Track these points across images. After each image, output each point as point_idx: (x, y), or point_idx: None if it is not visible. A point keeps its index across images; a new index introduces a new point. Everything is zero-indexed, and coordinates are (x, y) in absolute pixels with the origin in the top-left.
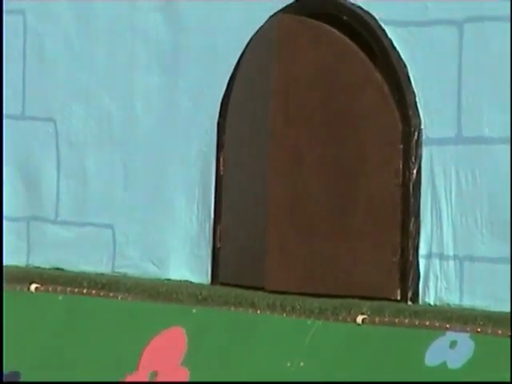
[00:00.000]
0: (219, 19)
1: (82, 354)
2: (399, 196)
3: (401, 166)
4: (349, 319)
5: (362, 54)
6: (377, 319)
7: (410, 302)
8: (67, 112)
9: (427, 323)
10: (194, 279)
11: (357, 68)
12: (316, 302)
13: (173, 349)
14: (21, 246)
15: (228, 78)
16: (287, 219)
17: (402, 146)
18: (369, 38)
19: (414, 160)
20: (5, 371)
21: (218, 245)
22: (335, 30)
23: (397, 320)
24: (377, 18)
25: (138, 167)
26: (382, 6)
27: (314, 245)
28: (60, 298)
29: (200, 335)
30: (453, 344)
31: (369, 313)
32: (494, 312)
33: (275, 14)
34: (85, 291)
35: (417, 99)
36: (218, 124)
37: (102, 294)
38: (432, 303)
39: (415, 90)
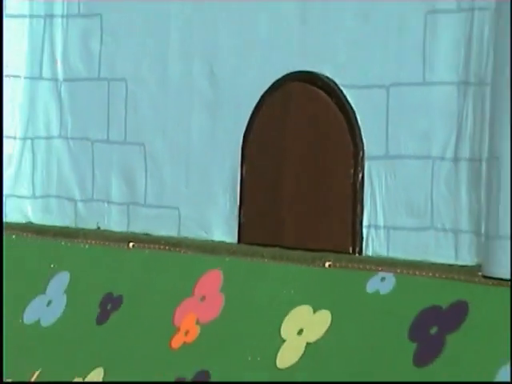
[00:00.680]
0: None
1: (159, 287)
2: (351, 190)
3: (352, 172)
4: (321, 265)
5: (333, 105)
6: (337, 265)
7: (357, 255)
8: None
9: (367, 267)
10: (229, 240)
11: (328, 113)
12: (305, 255)
13: (214, 282)
14: (123, 221)
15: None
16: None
17: (352, 161)
18: (335, 96)
19: (360, 168)
20: None
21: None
22: (316, 89)
23: (350, 265)
24: (338, 83)
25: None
26: (341, 74)
27: (297, 221)
28: (146, 252)
29: (230, 274)
30: (382, 279)
31: (332, 261)
32: (410, 260)
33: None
34: (161, 247)
35: (362, 131)
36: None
37: (172, 249)
38: (370, 255)
39: (360, 126)
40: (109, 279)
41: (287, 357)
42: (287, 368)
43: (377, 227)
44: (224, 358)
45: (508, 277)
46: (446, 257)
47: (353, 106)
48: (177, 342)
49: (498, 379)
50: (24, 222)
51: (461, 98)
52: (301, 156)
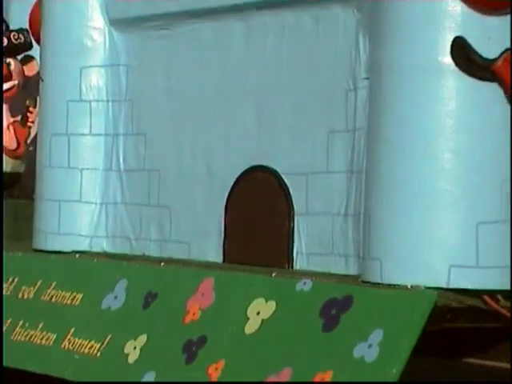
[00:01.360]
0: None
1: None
2: (287, 232)
3: (287, 222)
4: (270, 275)
5: (277, 184)
6: (279, 275)
7: (290, 269)
8: None
9: (296, 276)
10: (217, 260)
11: (275, 189)
12: (260, 269)
13: (208, 285)
14: (157, 251)
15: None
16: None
17: (287, 216)
18: (278, 179)
19: (292, 220)
20: None
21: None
22: (267, 175)
23: (286, 275)
24: (279, 171)
25: None
26: (280, 165)
27: (255, 251)
28: (171, 267)
29: (218, 280)
30: (304, 283)
31: (276, 273)
32: (320, 272)
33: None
34: (178, 265)
35: (292, 199)
36: None
37: (184, 266)
38: (298, 269)
39: (292, 196)
40: (150, 283)
41: (251, 327)
42: (250, 334)
43: (301, 253)
44: (215, 329)
45: (378, 281)
46: (341, 270)
47: (288, 184)
48: (187, 319)
49: (370, 341)
50: (101, 251)
51: (348, 181)
52: (260, 212)
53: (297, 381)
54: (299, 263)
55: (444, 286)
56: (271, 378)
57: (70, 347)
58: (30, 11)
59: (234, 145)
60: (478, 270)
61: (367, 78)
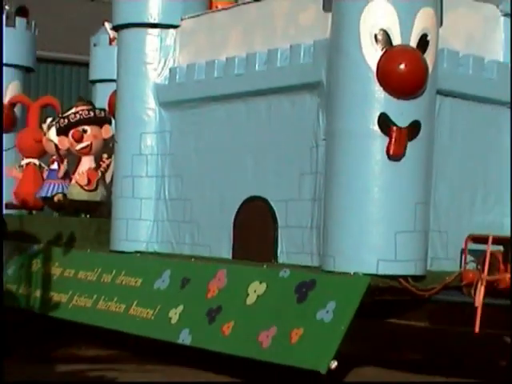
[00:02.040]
0: None
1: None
2: (273, 239)
3: (272, 233)
4: (263, 266)
5: (266, 208)
6: (269, 266)
7: (276, 263)
8: None
9: (279, 267)
10: (228, 257)
11: (263, 210)
12: (256, 263)
13: (222, 273)
14: (189, 250)
15: None
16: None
17: (273, 227)
18: (267, 204)
19: (276, 231)
20: None
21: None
22: (260, 202)
23: (273, 267)
24: (268, 199)
25: None
26: (269, 195)
27: (254, 252)
28: (200, 263)
29: (229, 270)
30: (285, 271)
31: (266, 265)
32: (296, 264)
33: None
34: (204, 261)
35: (277, 216)
36: None
37: (207, 262)
38: (281, 262)
39: (277, 214)
40: (185, 272)
41: (250, 300)
42: (249, 304)
43: (282, 252)
44: (227, 301)
45: (332, 270)
46: (308, 263)
47: (274, 207)
48: (209, 295)
49: (327, 309)
50: (153, 251)
51: (312, 206)
52: (255, 226)
53: (279, 335)
54: (281, 258)
55: (374, 272)
56: (263, 333)
57: (134, 313)
58: (108, 97)
59: (239, 182)
60: (396, 263)
61: (324, 139)
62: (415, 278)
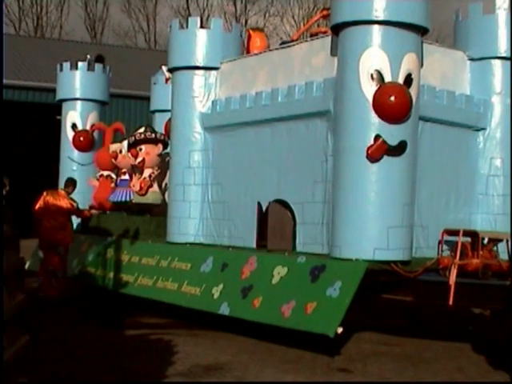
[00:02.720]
0: None
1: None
2: (292, 235)
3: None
4: (285, 254)
5: (287, 208)
6: (289, 254)
7: (295, 251)
8: None
9: (297, 255)
10: (254, 247)
11: (285, 210)
12: (279, 252)
13: (253, 259)
14: (227, 242)
15: None
16: None
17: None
18: (288, 205)
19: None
20: None
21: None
22: (280, 205)
23: (292, 254)
24: (288, 201)
25: None
26: (290, 198)
27: (276, 242)
28: (238, 251)
29: (259, 257)
30: (301, 258)
31: (287, 253)
32: (311, 253)
33: None
34: (239, 250)
35: (295, 212)
36: None
37: (240, 251)
38: (299, 251)
39: (295, 213)
40: (224, 258)
41: (275, 280)
42: (275, 284)
43: (300, 243)
44: (257, 281)
45: (338, 257)
46: (320, 251)
47: (293, 208)
48: (243, 277)
49: (334, 287)
50: (200, 242)
51: (323, 206)
52: (279, 222)
53: (297, 307)
54: (299, 248)
55: (371, 259)
56: (285, 306)
57: (185, 290)
58: (164, 123)
59: (266, 188)
60: (388, 251)
61: (332, 155)
62: (403, 262)
